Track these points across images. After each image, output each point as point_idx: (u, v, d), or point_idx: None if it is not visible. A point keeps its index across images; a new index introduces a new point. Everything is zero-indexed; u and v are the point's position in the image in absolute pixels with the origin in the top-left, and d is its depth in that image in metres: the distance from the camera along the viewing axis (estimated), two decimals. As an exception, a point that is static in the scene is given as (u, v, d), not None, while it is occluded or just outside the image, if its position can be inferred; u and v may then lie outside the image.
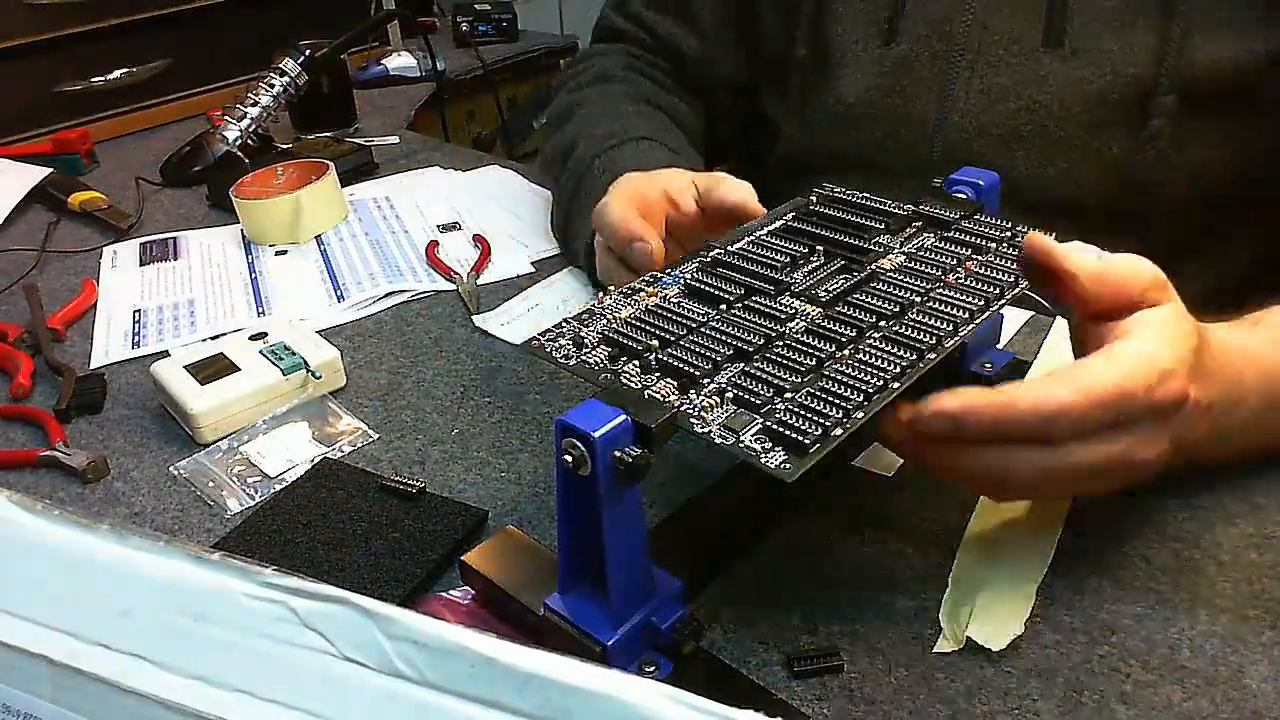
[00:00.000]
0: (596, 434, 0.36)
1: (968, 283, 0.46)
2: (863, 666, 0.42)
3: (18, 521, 0.30)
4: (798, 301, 0.46)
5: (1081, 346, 0.46)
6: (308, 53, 1.06)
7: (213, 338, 0.73)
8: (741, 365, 0.42)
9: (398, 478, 0.55)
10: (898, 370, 0.41)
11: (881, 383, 0.40)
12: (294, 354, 0.65)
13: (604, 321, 0.46)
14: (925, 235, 0.51)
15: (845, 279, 0.47)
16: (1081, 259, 0.44)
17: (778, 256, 0.49)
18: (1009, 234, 0.49)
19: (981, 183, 0.53)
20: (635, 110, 0.81)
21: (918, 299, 0.45)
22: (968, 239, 0.50)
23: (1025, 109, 0.69)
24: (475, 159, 1.08)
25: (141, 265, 0.88)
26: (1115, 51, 0.65)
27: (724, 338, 0.43)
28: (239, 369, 0.63)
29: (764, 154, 0.91)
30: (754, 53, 0.86)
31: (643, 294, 0.48)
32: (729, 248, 0.51)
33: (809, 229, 0.52)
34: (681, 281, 0.49)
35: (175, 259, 0.88)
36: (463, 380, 0.66)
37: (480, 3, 1.65)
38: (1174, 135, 0.65)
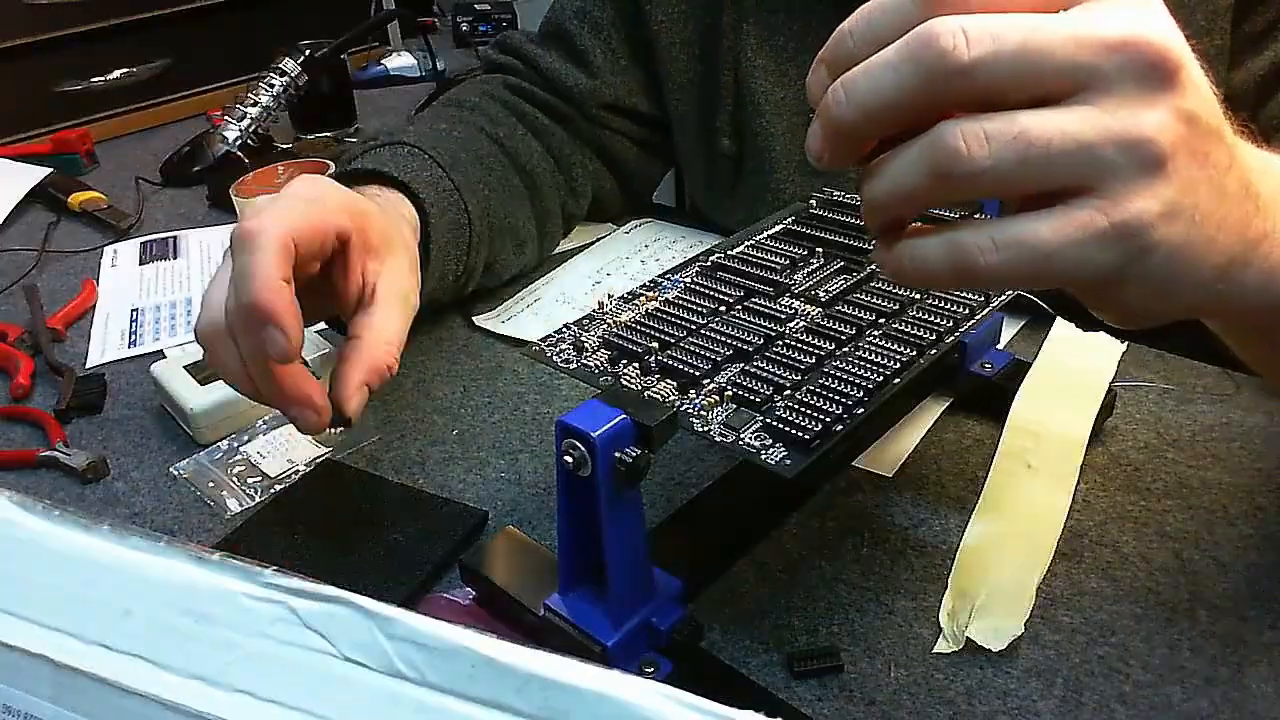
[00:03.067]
0: (596, 434, 0.36)
1: (968, 282, 0.46)
2: (863, 666, 0.42)
3: (18, 521, 0.30)
4: (797, 302, 0.46)
5: None
6: (308, 53, 1.06)
7: (212, 338, 0.73)
8: (741, 365, 0.42)
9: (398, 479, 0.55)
10: (898, 367, 0.41)
11: (882, 379, 0.40)
12: (294, 354, 0.64)
13: (604, 326, 0.46)
14: (925, 235, 0.51)
15: (845, 279, 0.47)
16: None
17: (777, 259, 0.50)
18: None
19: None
20: (446, 129, 0.71)
21: (917, 297, 0.45)
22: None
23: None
24: (475, 159, 1.08)
25: (141, 265, 0.88)
26: None
27: (723, 338, 0.43)
28: (239, 369, 0.63)
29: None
30: (659, 88, 0.79)
31: (642, 298, 0.48)
32: (729, 252, 0.51)
33: (809, 232, 0.52)
34: (681, 285, 0.49)
35: (175, 258, 0.88)
36: (463, 380, 0.66)
37: (480, 3, 1.65)
38: None
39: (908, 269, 0.32)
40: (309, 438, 0.59)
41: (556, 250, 0.82)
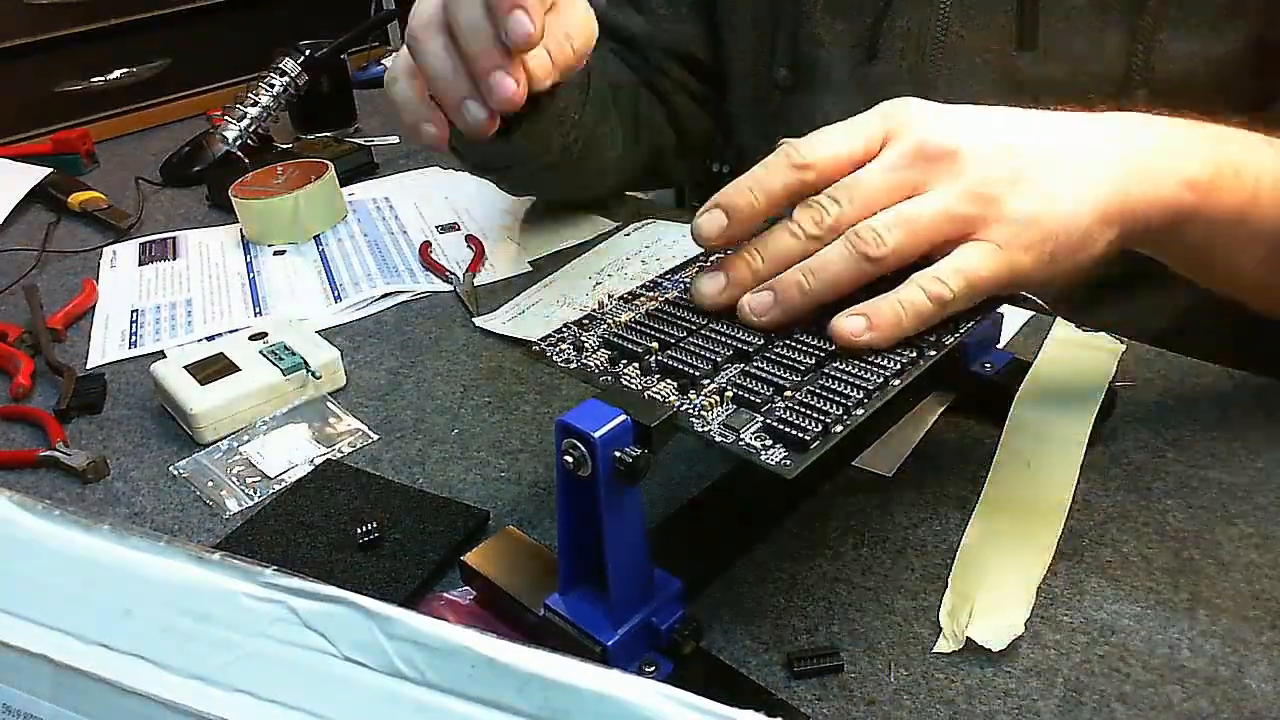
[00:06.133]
0: (596, 434, 0.36)
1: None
2: (863, 666, 0.42)
3: (18, 521, 0.30)
4: (798, 302, 0.46)
5: None
6: (308, 53, 1.06)
7: (209, 338, 0.73)
8: (741, 365, 0.42)
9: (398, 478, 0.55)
10: (898, 368, 0.41)
11: (882, 380, 0.40)
12: (294, 354, 0.65)
13: (604, 325, 0.46)
14: (925, 235, 0.51)
15: (845, 279, 0.47)
16: None
17: (778, 257, 0.49)
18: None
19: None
20: None
21: (918, 299, 0.45)
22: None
23: None
24: (475, 159, 1.08)
25: (141, 265, 0.88)
26: (1086, 52, 0.66)
27: (724, 339, 0.43)
28: (239, 369, 0.63)
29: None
30: (716, 38, 0.84)
31: (643, 298, 0.48)
32: (729, 252, 0.51)
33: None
34: (681, 285, 0.49)
35: (174, 259, 0.88)
36: (463, 380, 0.66)
37: (480, 3, 1.65)
38: None
39: (889, 330, 0.42)
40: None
41: (557, 250, 0.82)
